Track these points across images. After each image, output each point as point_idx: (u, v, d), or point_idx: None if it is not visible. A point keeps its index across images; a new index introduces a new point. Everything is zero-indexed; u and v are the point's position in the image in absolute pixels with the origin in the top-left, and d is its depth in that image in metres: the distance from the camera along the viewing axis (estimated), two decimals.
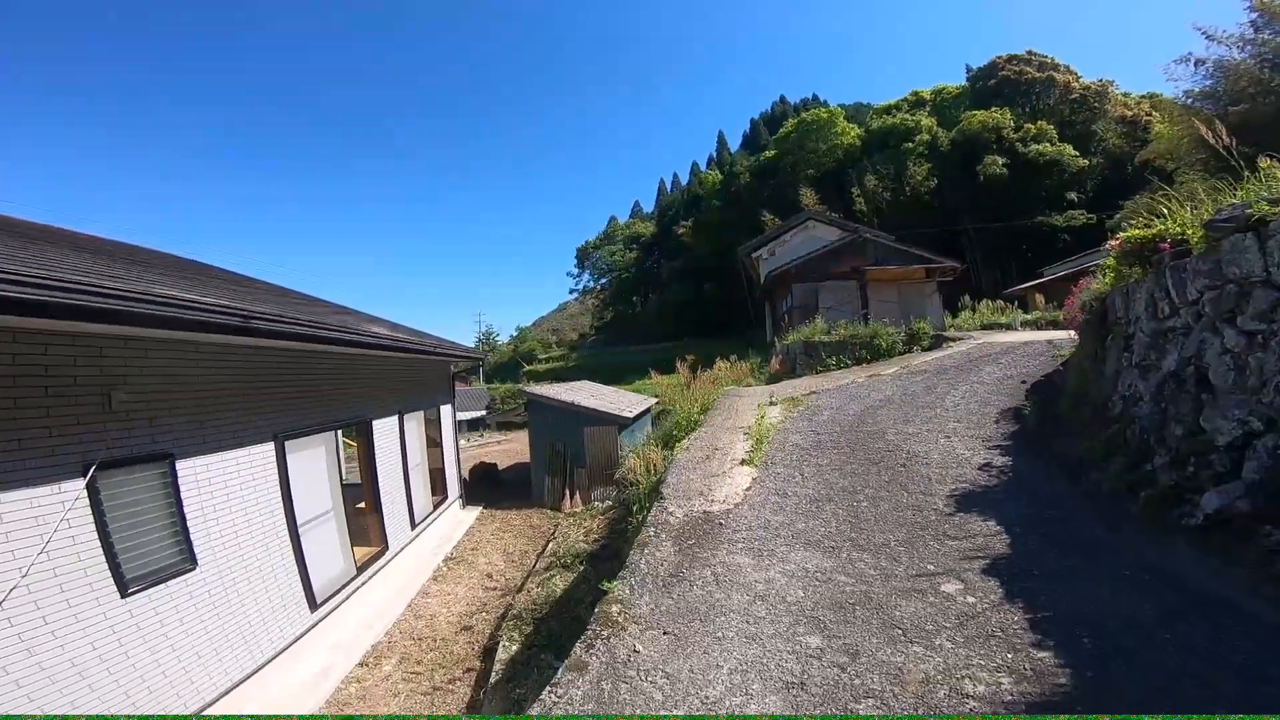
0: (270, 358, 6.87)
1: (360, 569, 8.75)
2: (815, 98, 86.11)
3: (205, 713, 5.15)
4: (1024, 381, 8.93)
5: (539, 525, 13.65)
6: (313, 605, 7.20)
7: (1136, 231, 5.07)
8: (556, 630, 6.93)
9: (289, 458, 7.03)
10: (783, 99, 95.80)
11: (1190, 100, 26.29)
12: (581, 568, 9.46)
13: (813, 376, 13.37)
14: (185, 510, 5.34)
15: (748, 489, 5.40)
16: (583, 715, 2.52)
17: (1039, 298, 23.89)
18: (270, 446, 6.72)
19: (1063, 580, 3.44)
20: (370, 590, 8.87)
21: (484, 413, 42.67)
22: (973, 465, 5.54)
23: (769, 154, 63.24)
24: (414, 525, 11.22)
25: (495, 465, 18.45)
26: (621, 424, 14.01)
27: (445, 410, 13.47)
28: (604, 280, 78.49)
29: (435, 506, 12.63)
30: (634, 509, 5.87)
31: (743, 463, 6.09)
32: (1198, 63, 25.55)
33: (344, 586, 8.13)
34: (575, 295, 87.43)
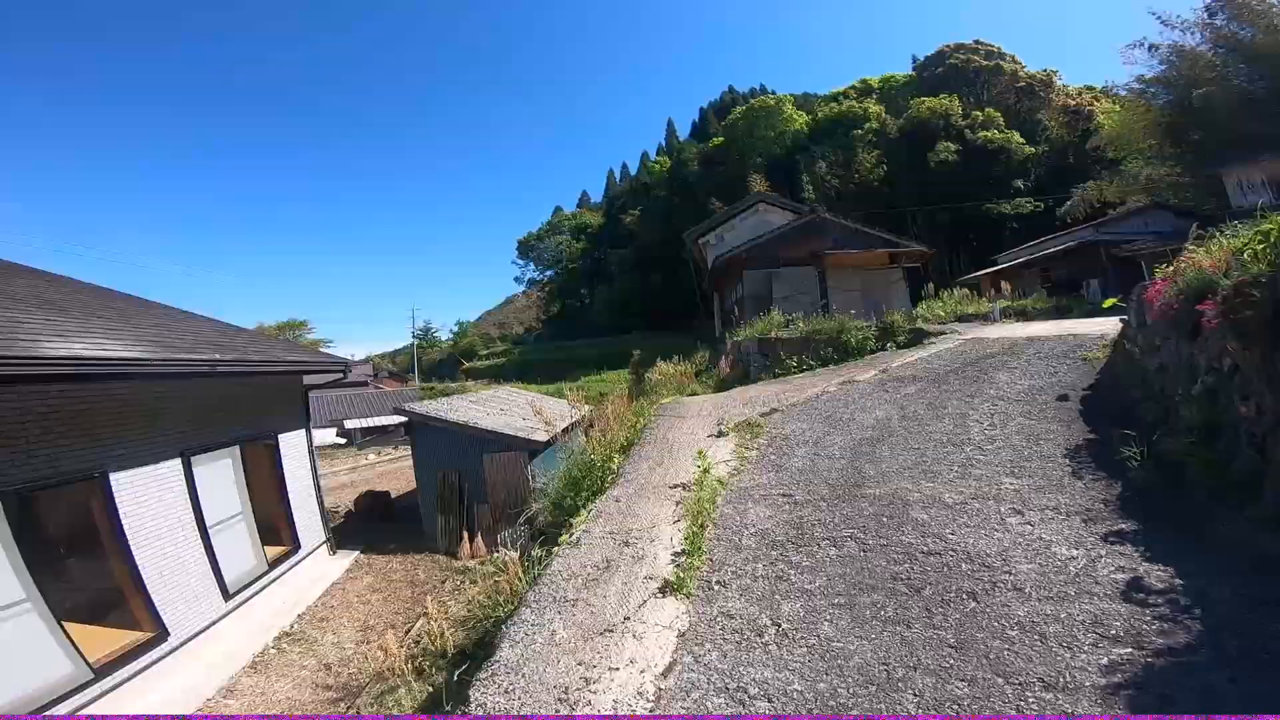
0: None
1: (104, 667, 5.93)
2: (763, 87, 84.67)
3: None
4: (1063, 397, 6.45)
5: (424, 581, 10.51)
6: None
7: None
8: None
9: None
10: (731, 89, 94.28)
11: (1143, 86, 24.85)
12: (440, 676, 6.47)
13: (771, 383, 10.73)
14: None
15: (665, 674, 2.52)
16: None
17: (1006, 285, 22.22)
18: None
19: None
20: (133, 692, 6.13)
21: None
22: (1105, 585, 2.85)
23: (717, 141, 61.25)
24: (228, 595, 8.03)
25: (388, 494, 15.10)
26: (531, 449, 11.00)
27: (291, 439, 10.12)
28: (550, 272, 74.68)
29: (275, 563, 9.38)
30: None
31: (665, 588, 3.22)
32: (1151, 48, 24.00)
33: (69, 695, 5.46)
34: (523, 289, 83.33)
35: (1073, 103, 44.13)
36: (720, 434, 6.90)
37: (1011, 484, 4.22)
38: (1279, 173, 17.33)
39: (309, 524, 10.68)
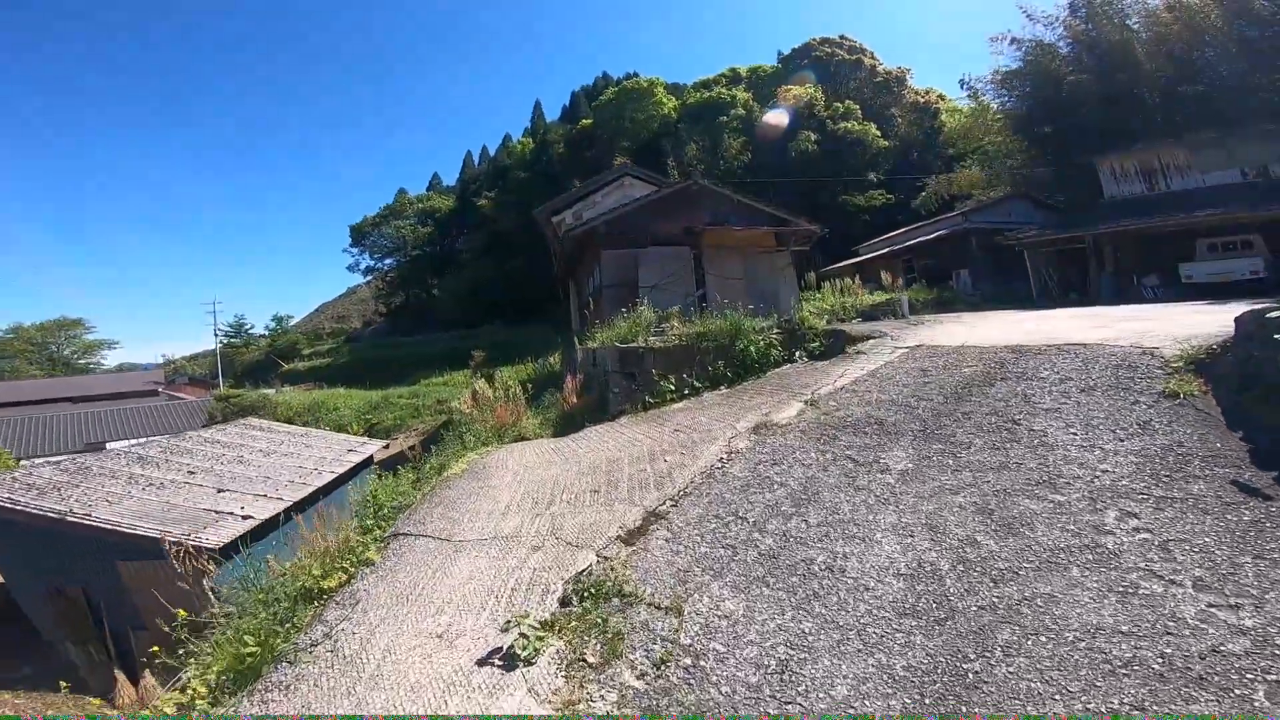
0: None
1: None
2: (637, 74, 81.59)
3: None
4: (1250, 488, 2.99)
5: None
6: None
7: None
8: None
9: None
10: (605, 74, 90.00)
11: (1000, 78, 24.52)
12: None
13: (639, 422, 6.61)
14: None
15: None
16: None
17: (887, 275, 20.41)
18: None
19: None
20: None
21: None
22: None
23: (586, 122, 57.09)
24: None
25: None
26: (208, 557, 5.91)
27: None
28: (390, 260, 65.45)
29: None
30: None
31: None
32: (1014, 41, 23.64)
33: None
34: (367, 279, 72.31)
35: (921, 100, 45.73)
36: (513, 658, 2.54)
37: None
38: (1151, 162, 16.78)
39: None
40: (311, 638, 2.90)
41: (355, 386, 36.27)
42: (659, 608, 2.82)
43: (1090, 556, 2.84)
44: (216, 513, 6.71)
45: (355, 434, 28.46)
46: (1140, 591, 2.53)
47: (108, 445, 28.49)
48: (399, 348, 47.48)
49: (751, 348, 8.19)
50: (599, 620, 2.75)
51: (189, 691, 2.74)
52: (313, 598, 3.40)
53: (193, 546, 6.25)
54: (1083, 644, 2.30)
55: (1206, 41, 19.07)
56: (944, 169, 37.37)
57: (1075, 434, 4.13)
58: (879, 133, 42.64)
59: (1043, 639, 2.36)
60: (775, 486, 3.97)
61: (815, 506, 3.62)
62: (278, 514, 6.54)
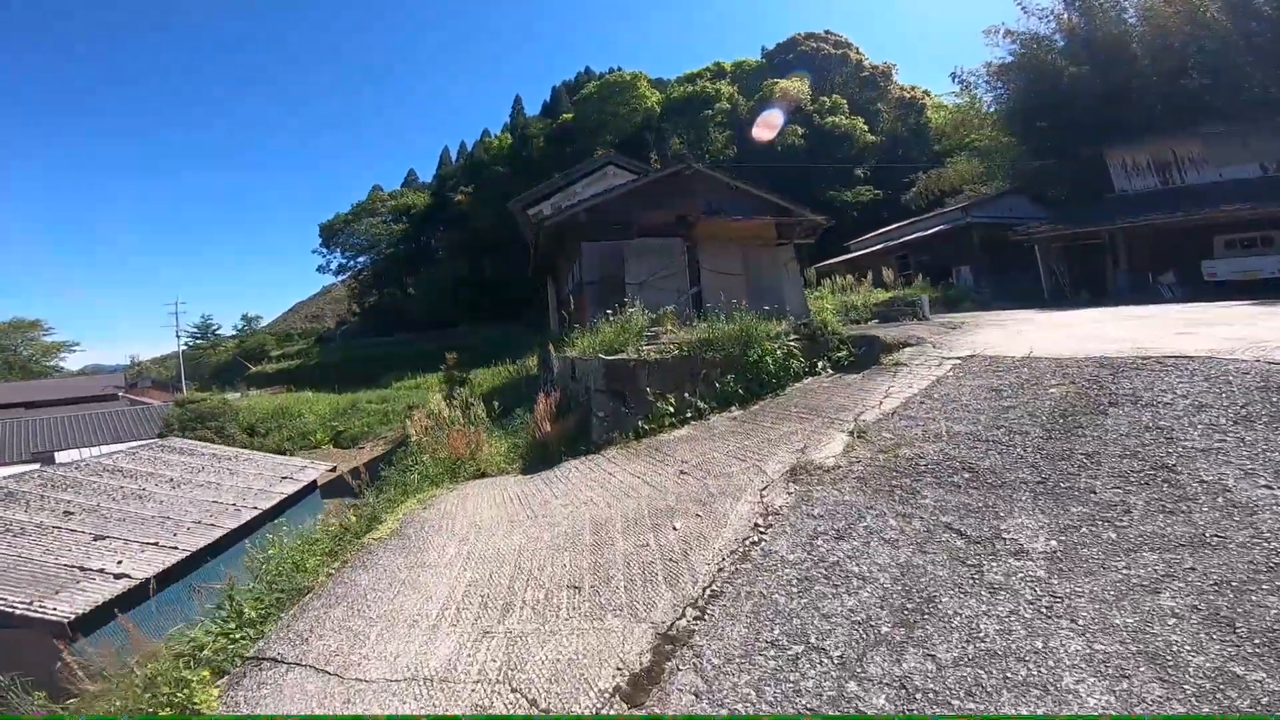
0: None
1: None
2: (619, 69, 79.97)
3: None
4: None
5: None
6: None
7: None
8: None
9: None
10: (588, 69, 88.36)
11: (994, 71, 23.48)
12: None
13: (630, 458, 5.19)
14: None
15: None
16: None
17: (888, 272, 19.31)
18: None
19: None
20: None
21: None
22: None
23: (567, 116, 55.43)
24: None
25: None
26: (56, 630, 4.38)
27: None
28: (364, 258, 63.15)
29: None
30: None
31: None
32: (1008, 34, 22.52)
33: None
34: (342, 278, 69.83)
35: (907, 95, 44.98)
36: None
37: None
38: (1165, 155, 15.81)
39: None
40: None
41: (325, 389, 34.44)
42: None
43: None
44: (82, 570, 5.17)
45: (321, 441, 26.73)
46: None
47: (57, 455, 26.31)
48: (373, 348, 45.59)
49: (768, 358, 6.82)
50: None
51: None
52: None
53: (36, 618, 4.73)
54: None
55: (1207, 35, 18.28)
56: (930, 165, 36.59)
57: (1271, 487, 2.83)
58: (866, 127, 41.81)
59: None
60: (855, 583, 2.59)
61: (936, 624, 2.23)
62: (150, 576, 5.00)
